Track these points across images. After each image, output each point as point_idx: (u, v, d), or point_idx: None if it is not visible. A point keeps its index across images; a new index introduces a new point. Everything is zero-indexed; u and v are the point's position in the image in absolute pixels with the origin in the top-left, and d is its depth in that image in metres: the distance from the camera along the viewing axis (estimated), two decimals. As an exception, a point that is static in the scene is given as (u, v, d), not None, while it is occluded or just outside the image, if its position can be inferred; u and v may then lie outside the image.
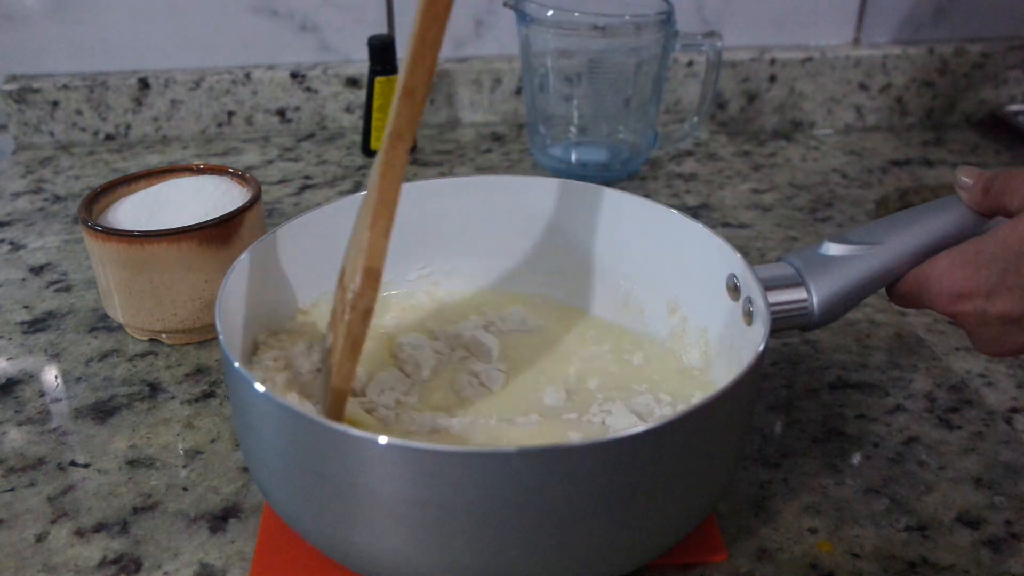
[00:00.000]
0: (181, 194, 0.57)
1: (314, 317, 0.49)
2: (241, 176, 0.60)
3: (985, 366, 0.55)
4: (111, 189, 0.59)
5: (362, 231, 0.38)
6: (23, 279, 0.65)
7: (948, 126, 0.95)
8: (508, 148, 0.87)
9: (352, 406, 0.43)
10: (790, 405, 0.52)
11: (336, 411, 0.40)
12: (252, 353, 0.45)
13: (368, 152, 0.84)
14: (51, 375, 0.54)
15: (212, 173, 0.61)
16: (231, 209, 0.55)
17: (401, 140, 0.37)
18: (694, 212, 0.74)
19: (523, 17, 0.74)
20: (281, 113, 0.90)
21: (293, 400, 0.42)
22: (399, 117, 0.37)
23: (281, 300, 0.47)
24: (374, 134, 0.83)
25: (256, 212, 0.57)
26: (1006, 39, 0.94)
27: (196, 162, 0.69)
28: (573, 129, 0.80)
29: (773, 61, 0.92)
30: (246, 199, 0.57)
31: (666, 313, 0.49)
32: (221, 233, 0.54)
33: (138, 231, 0.53)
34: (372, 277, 0.37)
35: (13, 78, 0.86)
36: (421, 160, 0.84)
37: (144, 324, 0.55)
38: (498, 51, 0.91)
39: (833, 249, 0.44)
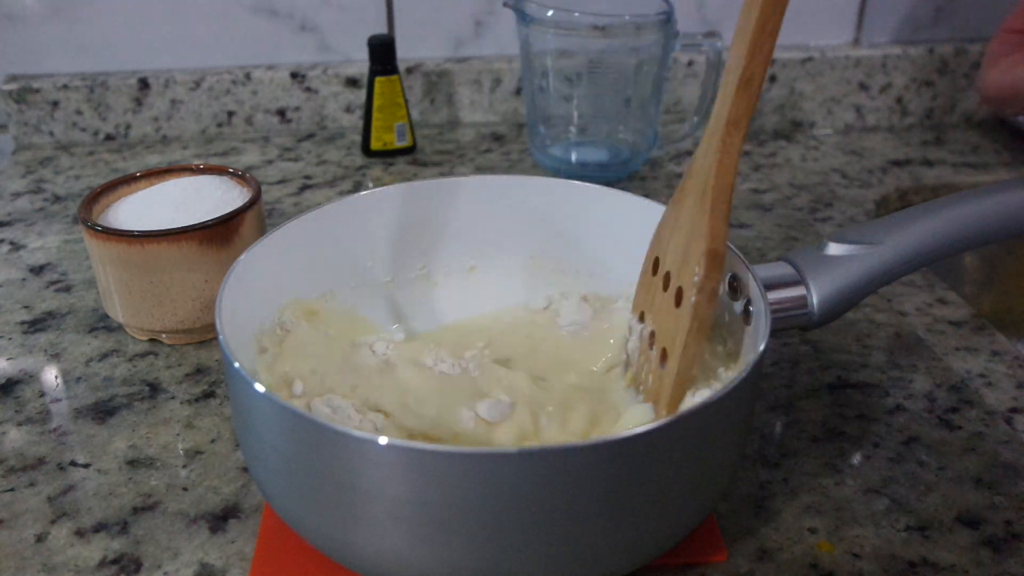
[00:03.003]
0: (181, 194, 0.57)
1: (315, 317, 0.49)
2: (241, 176, 0.60)
3: (985, 366, 0.55)
4: (111, 189, 0.59)
5: (698, 216, 0.40)
6: (23, 279, 0.65)
7: (948, 126, 0.95)
8: (508, 148, 0.87)
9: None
10: (790, 405, 0.52)
11: (679, 394, 0.41)
12: None
13: (368, 152, 0.84)
14: (51, 375, 0.54)
15: (212, 173, 0.61)
16: (231, 209, 0.55)
17: (738, 128, 0.39)
18: (694, 212, 0.74)
19: (523, 17, 0.74)
20: (281, 113, 0.90)
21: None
22: (736, 105, 0.38)
23: (281, 300, 0.47)
24: (374, 134, 0.83)
25: (256, 212, 0.57)
26: (1006, 39, 0.94)
27: (196, 162, 0.69)
28: (573, 129, 0.80)
29: (773, 61, 0.91)
30: (246, 199, 0.57)
31: (666, 313, 0.49)
32: (221, 233, 0.54)
33: (138, 231, 0.53)
34: (717, 259, 0.39)
35: (13, 78, 0.86)
36: (421, 160, 0.84)
37: (144, 324, 0.55)
38: (498, 51, 0.91)
39: (833, 249, 0.44)
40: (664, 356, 0.42)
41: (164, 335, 0.56)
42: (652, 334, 0.43)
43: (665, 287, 0.42)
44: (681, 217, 0.42)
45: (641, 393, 0.44)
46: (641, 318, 0.45)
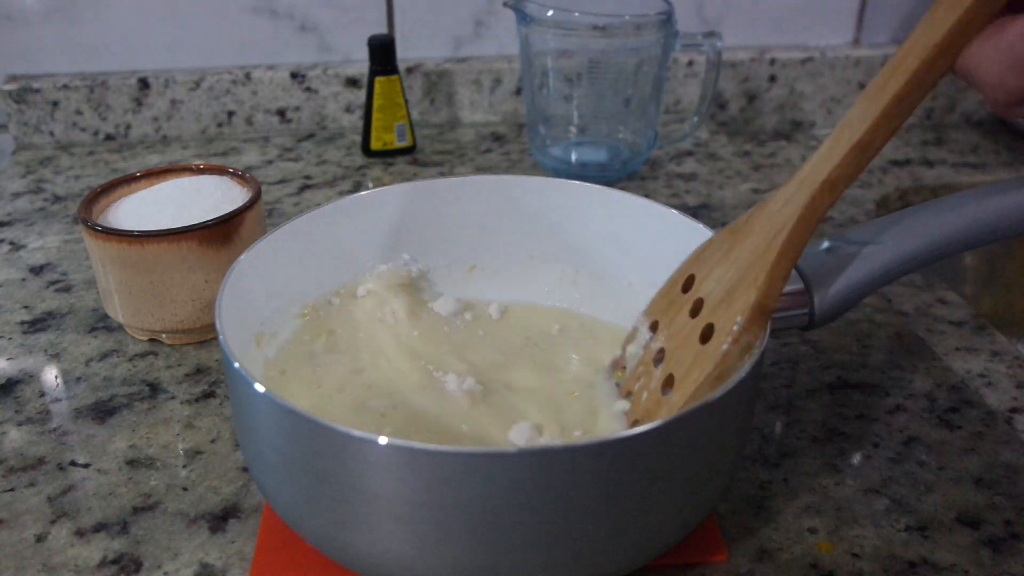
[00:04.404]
0: (181, 194, 0.57)
1: (315, 318, 0.49)
2: (241, 176, 0.60)
3: (985, 366, 0.55)
4: (111, 189, 0.59)
5: (757, 261, 0.38)
6: (23, 279, 0.65)
7: (948, 126, 0.95)
8: (508, 148, 0.87)
9: None
10: (790, 405, 0.52)
11: None
12: None
13: (368, 152, 0.84)
14: (51, 375, 0.54)
15: (212, 173, 0.61)
16: (231, 209, 0.55)
17: (833, 190, 0.36)
18: (694, 212, 0.74)
19: (523, 17, 0.74)
20: (281, 113, 0.90)
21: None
22: (842, 167, 0.35)
23: (281, 300, 0.47)
24: (374, 134, 0.83)
25: (256, 212, 0.57)
26: (1006, 39, 0.94)
27: (196, 162, 0.69)
28: (573, 129, 0.80)
29: (773, 61, 0.92)
30: (246, 199, 0.57)
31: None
32: (221, 233, 0.54)
33: (138, 231, 0.53)
34: (764, 315, 0.37)
35: (13, 78, 0.86)
36: (421, 160, 0.84)
37: (144, 324, 0.55)
38: (498, 51, 0.91)
39: (833, 249, 0.44)
40: (669, 383, 0.40)
41: (164, 335, 0.56)
42: (661, 351, 0.41)
43: (693, 313, 0.40)
44: (736, 251, 0.39)
45: (625, 399, 0.43)
46: (653, 327, 0.43)
